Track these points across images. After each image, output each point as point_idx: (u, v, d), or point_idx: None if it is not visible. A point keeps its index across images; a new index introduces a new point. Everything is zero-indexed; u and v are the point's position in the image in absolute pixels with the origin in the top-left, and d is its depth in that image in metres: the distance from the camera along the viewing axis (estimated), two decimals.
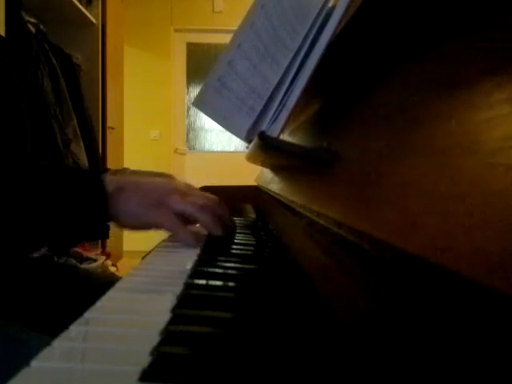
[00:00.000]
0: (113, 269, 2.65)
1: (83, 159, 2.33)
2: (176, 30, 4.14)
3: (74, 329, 0.26)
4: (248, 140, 0.65)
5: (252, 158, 0.79)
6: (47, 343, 0.23)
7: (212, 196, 0.60)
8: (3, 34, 1.74)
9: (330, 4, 0.53)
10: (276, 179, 0.78)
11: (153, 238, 0.60)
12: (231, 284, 0.38)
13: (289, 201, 0.55)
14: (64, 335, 0.25)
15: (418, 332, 0.18)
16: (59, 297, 0.66)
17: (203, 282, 0.38)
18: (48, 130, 2.06)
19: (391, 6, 0.33)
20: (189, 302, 0.32)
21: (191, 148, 4.28)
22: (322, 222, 0.37)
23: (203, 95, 0.64)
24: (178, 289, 0.35)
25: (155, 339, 0.25)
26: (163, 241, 0.59)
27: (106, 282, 0.64)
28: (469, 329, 0.15)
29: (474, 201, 0.17)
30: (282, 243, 0.59)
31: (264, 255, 0.52)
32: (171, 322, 0.28)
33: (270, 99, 0.59)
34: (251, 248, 0.56)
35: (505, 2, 0.22)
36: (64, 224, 0.50)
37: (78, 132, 2.32)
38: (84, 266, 2.16)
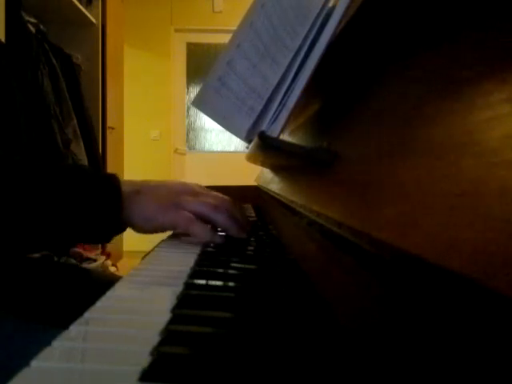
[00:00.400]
0: (113, 269, 2.65)
1: (83, 159, 2.33)
2: (176, 30, 4.15)
3: (74, 329, 0.26)
4: (248, 140, 0.65)
5: (252, 158, 0.79)
6: (47, 342, 0.23)
7: (225, 196, 0.60)
8: (3, 34, 1.74)
9: (330, 4, 0.53)
10: (276, 179, 0.78)
11: (153, 238, 0.60)
12: (231, 284, 0.38)
13: (289, 201, 0.55)
14: (64, 335, 0.25)
15: (418, 332, 0.18)
16: (60, 295, 0.66)
17: (203, 281, 0.38)
18: (48, 130, 2.06)
19: (391, 6, 0.34)
20: (189, 301, 0.32)
21: (191, 148, 4.28)
22: (321, 221, 0.37)
23: (203, 95, 0.64)
24: (178, 289, 0.35)
25: (155, 339, 0.25)
26: (163, 241, 0.59)
27: (106, 282, 0.64)
28: (469, 329, 0.15)
29: (474, 201, 0.17)
30: (282, 243, 0.59)
31: (264, 255, 0.52)
32: (171, 322, 0.28)
33: (270, 99, 0.59)
34: (251, 248, 0.56)
35: (505, 2, 0.22)
36: (77, 225, 0.50)
37: (78, 132, 2.32)
38: (84, 265, 2.16)
